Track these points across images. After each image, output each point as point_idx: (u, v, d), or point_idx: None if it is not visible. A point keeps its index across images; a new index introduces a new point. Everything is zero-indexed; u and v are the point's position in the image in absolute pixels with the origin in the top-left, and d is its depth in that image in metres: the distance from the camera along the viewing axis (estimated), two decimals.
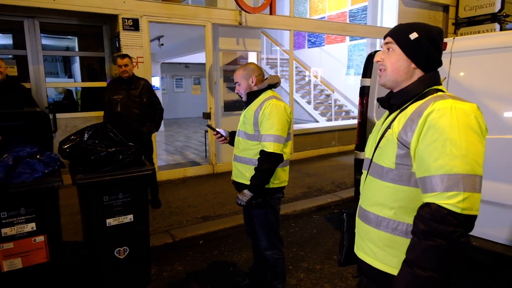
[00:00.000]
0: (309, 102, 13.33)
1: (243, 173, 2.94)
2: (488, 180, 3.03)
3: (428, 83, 1.49)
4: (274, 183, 2.89)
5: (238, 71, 2.96)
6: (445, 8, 10.69)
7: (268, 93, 2.94)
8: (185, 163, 8.27)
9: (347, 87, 13.67)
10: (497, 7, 9.55)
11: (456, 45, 3.35)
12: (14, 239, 2.71)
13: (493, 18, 9.77)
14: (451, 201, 1.22)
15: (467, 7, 10.18)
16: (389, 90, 1.63)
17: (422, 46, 1.48)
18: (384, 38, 1.59)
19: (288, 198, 5.77)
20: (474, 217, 1.24)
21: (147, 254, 3.47)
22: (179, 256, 4.16)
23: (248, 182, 2.84)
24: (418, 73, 1.51)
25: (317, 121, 12.63)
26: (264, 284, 3.39)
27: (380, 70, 1.59)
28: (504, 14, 9.71)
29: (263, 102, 2.83)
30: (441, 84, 1.52)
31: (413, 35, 1.48)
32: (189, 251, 4.27)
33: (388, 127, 1.51)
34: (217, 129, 3.12)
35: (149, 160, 5.31)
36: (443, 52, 3.31)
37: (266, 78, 3.00)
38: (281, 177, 2.94)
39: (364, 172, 1.68)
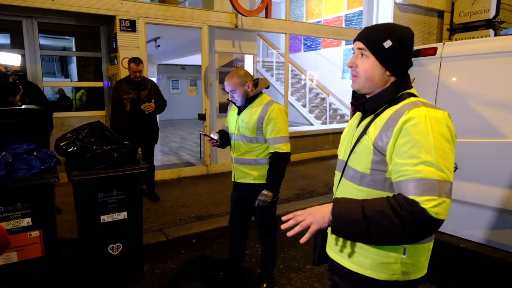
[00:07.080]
0: (304, 105, 13.43)
1: (249, 173, 3.12)
2: (469, 182, 3.15)
3: (401, 88, 1.52)
4: None
5: (232, 79, 2.95)
6: (440, 14, 10.78)
7: (266, 97, 3.11)
8: (180, 164, 8.32)
9: (342, 91, 13.75)
10: (492, 13, 9.59)
11: (446, 50, 3.39)
12: (10, 233, 2.75)
13: (488, 24, 9.82)
14: (426, 205, 1.24)
15: (462, 13, 10.25)
16: None
17: (397, 54, 1.48)
18: (354, 41, 1.57)
19: (281, 200, 5.82)
20: (441, 222, 1.26)
21: (140, 251, 3.53)
22: (172, 254, 4.21)
23: (254, 181, 3.09)
24: (392, 79, 1.52)
25: (312, 124, 12.72)
26: (239, 276, 3.66)
27: (353, 75, 1.57)
28: (499, 20, 9.77)
29: (266, 107, 2.98)
30: (412, 87, 1.55)
31: (387, 43, 1.47)
32: (182, 249, 4.33)
33: (364, 132, 1.52)
34: (211, 135, 3.17)
35: (150, 156, 5.44)
36: (433, 57, 3.42)
37: (256, 81, 3.10)
38: None
39: (338, 173, 1.69)
